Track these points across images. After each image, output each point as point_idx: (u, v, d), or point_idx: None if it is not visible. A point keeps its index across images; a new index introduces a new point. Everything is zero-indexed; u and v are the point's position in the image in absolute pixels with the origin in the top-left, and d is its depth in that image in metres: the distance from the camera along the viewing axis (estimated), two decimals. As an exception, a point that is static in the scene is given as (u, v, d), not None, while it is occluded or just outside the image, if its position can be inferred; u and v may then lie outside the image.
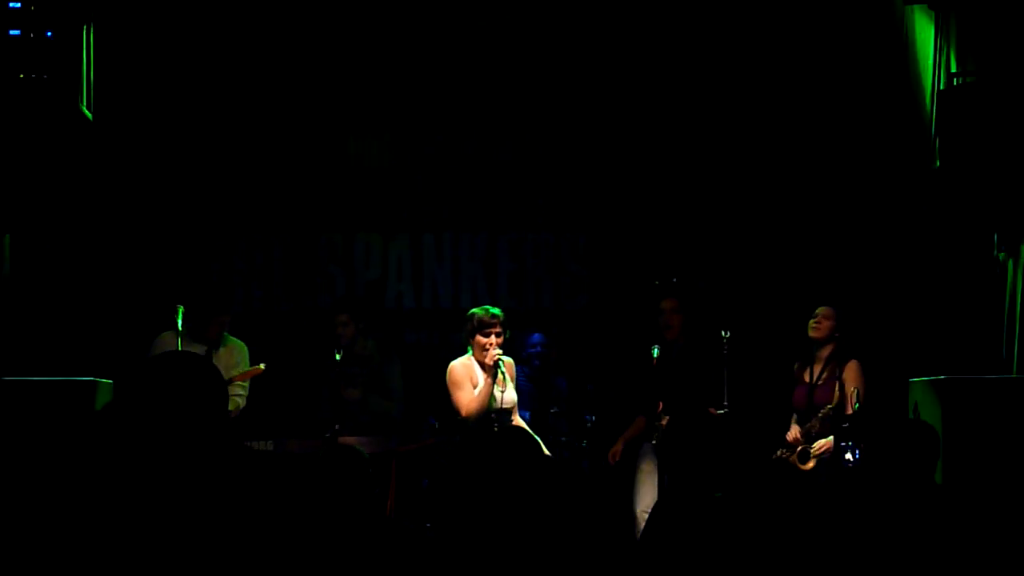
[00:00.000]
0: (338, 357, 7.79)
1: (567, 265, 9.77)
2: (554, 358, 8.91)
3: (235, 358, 7.86)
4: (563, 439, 8.34)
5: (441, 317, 9.70)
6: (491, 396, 7.49)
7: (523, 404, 8.81)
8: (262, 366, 7.74)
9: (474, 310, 7.70)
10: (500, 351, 7.52)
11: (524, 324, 9.16)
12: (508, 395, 7.58)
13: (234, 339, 7.98)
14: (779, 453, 7.71)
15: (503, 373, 7.52)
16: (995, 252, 7.83)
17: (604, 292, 9.70)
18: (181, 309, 7.52)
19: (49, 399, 6.64)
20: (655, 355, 7.73)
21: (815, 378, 7.71)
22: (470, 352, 7.64)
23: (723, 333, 7.66)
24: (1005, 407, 6.83)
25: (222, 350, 7.81)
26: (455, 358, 9.27)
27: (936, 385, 6.98)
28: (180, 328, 7.45)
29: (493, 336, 7.52)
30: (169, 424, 2.65)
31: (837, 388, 7.49)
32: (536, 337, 8.93)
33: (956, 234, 8.00)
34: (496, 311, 7.63)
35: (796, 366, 7.92)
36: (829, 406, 7.46)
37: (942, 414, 6.80)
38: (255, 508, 2.83)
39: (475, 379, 7.56)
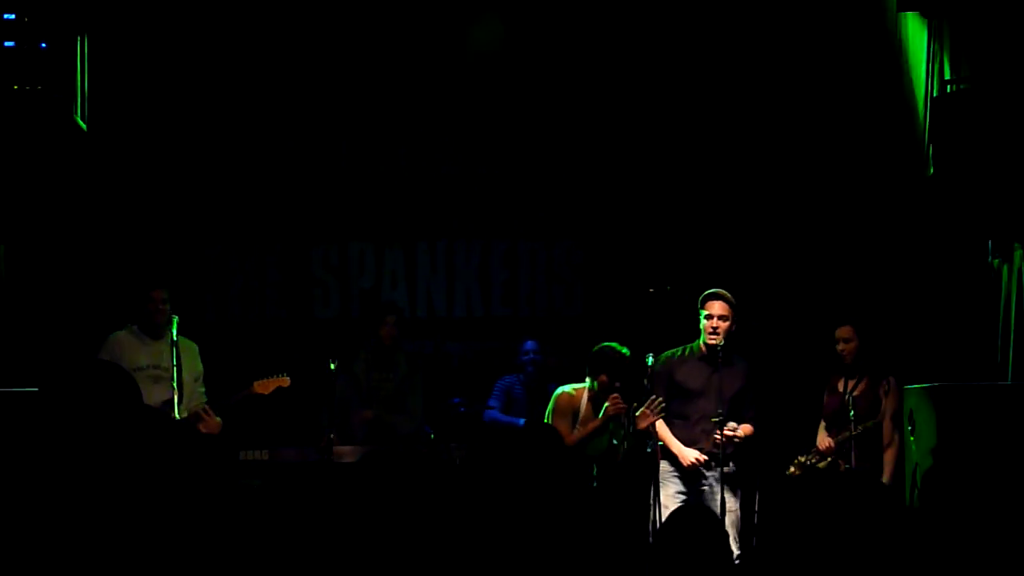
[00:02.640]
0: (332, 367, 7.72)
1: (561, 273, 9.78)
2: (549, 365, 8.89)
3: (191, 358, 7.62)
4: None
5: (435, 325, 9.70)
6: (599, 438, 7.21)
7: (518, 411, 8.81)
8: (287, 378, 7.59)
9: (603, 347, 7.37)
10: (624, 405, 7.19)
11: (518, 332, 9.17)
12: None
13: (185, 339, 7.58)
14: (802, 460, 7.65)
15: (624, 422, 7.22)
16: (989, 259, 7.84)
17: (598, 299, 9.70)
18: (176, 319, 7.48)
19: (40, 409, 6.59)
20: (649, 363, 7.63)
21: (850, 388, 7.61)
22: (587, 383, 7.38)
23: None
24: (1000, 414, 6.82)
25: (182, 354, 7.41)
26: (449, 366, 9.26)
27: (931, 392, 6.98)
28: (134, 330, 7.42)
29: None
30: (88, 427, 2.65)
31: (884, 407, 7.47)
32: (530, 344, 8.92)
33: (950, 241, 8.01)
34: (625, 351, 7.31)
35: (831, 380, 7.82)
36: (871, 421, 7.45)
37: (937, 421, 6.80)
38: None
39: (579, 410, 7.31)
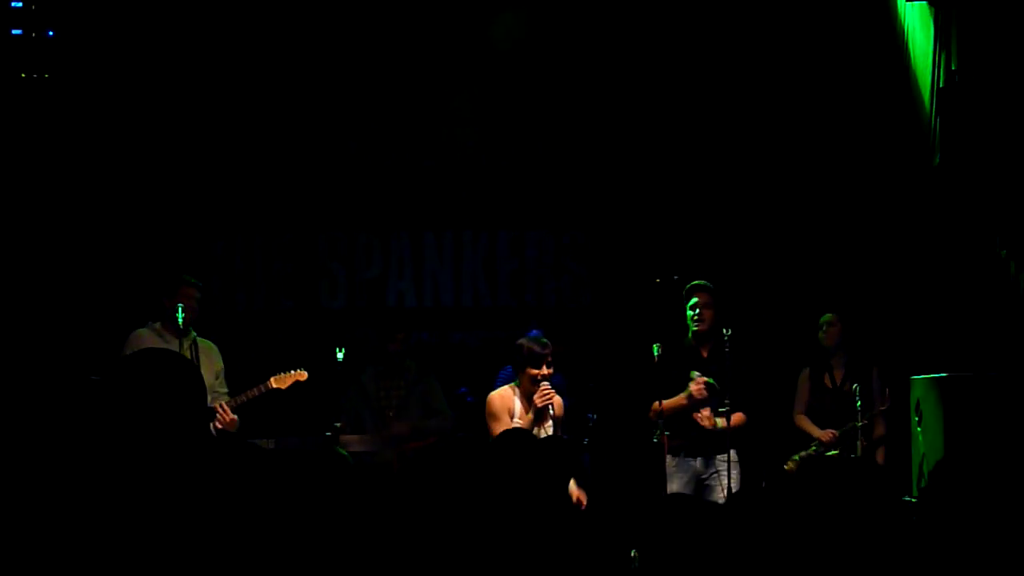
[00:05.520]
0: (340, 356, 7.70)
1: (568, 263, 9.77)
2: (556, 354, 8.86)
3: (210, 358, 7.58)
4: (564, 437, 8.28)
5: (442, 315, 9.70)
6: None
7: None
8: (304, 373, 7.56)
9: (523, 340, 7.23)
10: (553, 391, 7.10)
11: (525, 322, 9.16)
12: (547, 431, 7.19)
13: (204, 340, 7.62)
14: (803, 454, 7.78)
15: (551, 413, 7.16)
16: (997, 249, 7.82)
17: (605, 290, 9.69)
18: (180, 307, 7.47)
19: (45, 397, 6.59)
20: (656, 353, 7.61)
21: (839, 383, 7.82)
22: (516, 382, 7.25)
23: (724, 331, 7.60)
24: (1007, 404, 6.81)
25: (201, 354, 7.45)
26: (455, 356, 9.23)
27: (938, 383, 6.97)
28: (157, 324, 7.38)
29: (545, 368, 7.07)
30: (149, 420, 2.65)
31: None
32: (534, 334, 8.91)
33: (957, 231, 8.00)
34: (545, 340, 7.21)
35: (806, 372, 8.02)
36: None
37: (944, 411, 6.79)
38: (245, 503, 2.83)
39: (513, 411, 7.17)
